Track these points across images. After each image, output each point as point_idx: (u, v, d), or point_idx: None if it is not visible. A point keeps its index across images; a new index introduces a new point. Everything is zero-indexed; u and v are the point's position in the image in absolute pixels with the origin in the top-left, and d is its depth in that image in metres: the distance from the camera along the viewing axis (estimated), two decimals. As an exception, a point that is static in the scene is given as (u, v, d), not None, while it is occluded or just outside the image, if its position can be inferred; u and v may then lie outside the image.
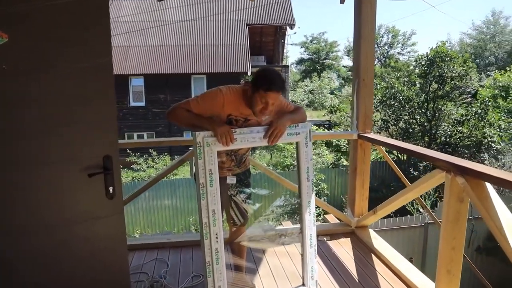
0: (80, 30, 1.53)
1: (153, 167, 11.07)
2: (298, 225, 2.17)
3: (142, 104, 16.52)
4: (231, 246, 2.35)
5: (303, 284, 2.22)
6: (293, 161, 11.24)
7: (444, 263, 2.03)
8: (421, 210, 6.55)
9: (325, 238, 3.08)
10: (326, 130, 13.71)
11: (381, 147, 3.07)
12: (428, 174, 2.17)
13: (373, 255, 2.80)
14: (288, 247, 2.92)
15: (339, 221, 3.41)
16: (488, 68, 24.48)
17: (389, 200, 2.71)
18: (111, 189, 1.67)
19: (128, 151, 11.19)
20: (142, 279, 2.54)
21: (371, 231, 3.11)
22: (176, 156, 13.07)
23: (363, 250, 2.88)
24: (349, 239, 3.10)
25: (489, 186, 1.83)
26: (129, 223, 8.55)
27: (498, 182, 1.72)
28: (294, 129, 2.06)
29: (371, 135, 3.01)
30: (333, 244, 3.01)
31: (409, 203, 7.44)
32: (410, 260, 3.01)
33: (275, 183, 4.38)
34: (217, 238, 1.86)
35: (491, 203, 1.79)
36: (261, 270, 2.62)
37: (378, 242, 2.91)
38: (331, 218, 3.61)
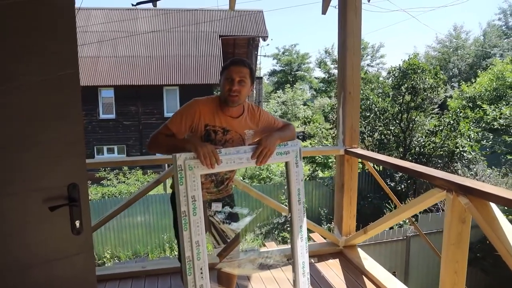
0: (42, 38, 1.30)
1: (124, 182, 10.59)
2: (283, 247, 1.99)
3: (113, 116, 15.99)
4: (219, 275, 2.12)
5: (296, 316, 2.02)
6: (269, 173, 11.09)
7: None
8: (401, 222, 6.51)
9: (312, 260, 2.90)
10: (301, 143, 13.67)
11: (368, 162, 2.95)
12: (426, 194, 2.05)
13: (364, 277, 2.65)
14: (275, 272, 2.72)
15: (325, 240, 3.25)
16: (452, 79, 25.44)
17: (381, 220, 2.57)
18: (77, 224, 1.42)
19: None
20: (115, 316, 2.26)
21: (360, 251, 2.96)
22: (149, 171, 12.62)
23: (354, 272, 2.73)
24: (337, 260, 2.93)
25: (493, 206, 1.72)
26: (99, 242, 8.08)
27: (505, 203, 1.61)
28: (284, 148, 1.88)
29: (359, 150, 2.89)
30: (322, 267, 2.84)
31: (387, 211, 7.43)
32: (394, 274, 2.88)
33: (253, 200, 4.18)
34: (201, 273, 1.64)
35: (498, 224, 1.68)
36: (247, 300, 2.40)
37: (369, 263, 2.76)
38: (316, 237, 3.44)
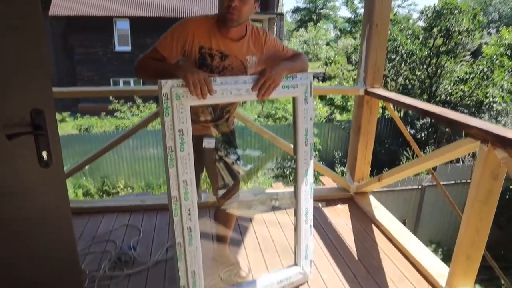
0: None
1: (138, 115, 10.51)
2: (291, 189, 1.81)
3: (128, 49, 15.57)
4: (217, 214, 1.98)
5: (296, 264, 1.89)
6: (285, 113, 10.80)
7: (465, 248, 1.70)
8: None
9: (320, 204, 2.74)
10: (320, 83, 13.15)
11: (389, 104, 2.65)
12: (455, 143, 1.78)
13: (374, 226, 2.48)
14: (279, 215, 2.59)
15: (335, 185, 3.06)
16: (490, 25, 23.56)
17: (398, 168, 2.34)
18: (44, 155, 1.23)
19: (110, 98, 10.57)
20: (109, 249, 2.18)
21: (372, 199, 2.77)
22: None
23: (363, 221, 2.55)
24: (347, 206, 2.76)
25: (536, 163, 1.45)
26: (113, 172, 8.22)
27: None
28: (291, 81, 1.60)
29: (381, 91, 2.56)
30: (329, 212, 2.68)
31: (404, 160, 7.20)
32: (404, 223, 2.74)
33: (266, 141, 3.97)
34: (189, 214, 1.47)
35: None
36: (247, 243, 2.28)
37: (380, 213, 2.58)
38: (327, 181, 3.26)
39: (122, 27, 15.41)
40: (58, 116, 12.78)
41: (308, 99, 1.69)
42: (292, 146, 2.77)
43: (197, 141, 1.63)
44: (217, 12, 1.56)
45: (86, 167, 3.85)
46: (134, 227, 2.43)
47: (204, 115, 1.68)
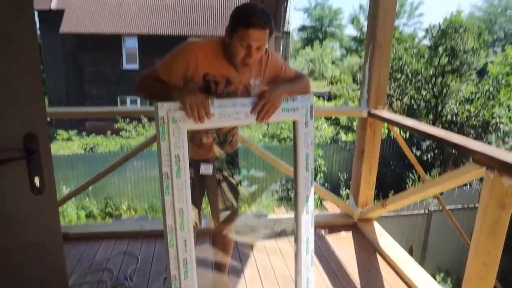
0: None
1: (143, 134, 10.55)
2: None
3: (136, 67, 15.75)
4: (215, 239, 1.92)
5: (296, 295, 1.81)
6: (290, 133, 10.78)
7: (473, 281, 1.62)
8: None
9: (322, 231, 2.67)
10: (325, 103, 13.15)
11: (394, 127, 2.60)
12: (461, 169, 1.73)
13: (378, 255, 2.40)
14: (281, 243, 2.52)
15: (339, 210, 2.99)
16: (496, 43, 23.62)
17: (403, 194, 2.27)
18: (37, 181, 1.20)
19: (116, 116, 10.64)
20: (105, 278, 2.12)
21: (377, 225, 2.69)
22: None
23: (367, 249, 2.48)
24: (350, 233, 2.68)
25: (546, 191, 1.39)
26: (116, 193, 8.18)
27: None
28: (292, 104, 1.55)
29: (384, 113, 2.52)
30: (332, 239, 2.60)
31: (410, 184, 7.09)
32: (410, 249, 2.65)
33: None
34: (185, 245, 1.42)
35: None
36: (247, 271, 2.21)
37: (385, 241, 2.50)
38: (330, 206, 3.20)
39: (130, 45, 15.64)
40: (65, 135, 12.87)
41: (309, 122, 1.64)
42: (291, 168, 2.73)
43: (198, 165, 1.61)
44: (222, 38, 1.49)
45: (90, 187, 3.84)
46: (132, 254, 2.37)
47: (207, 138, 1.65)
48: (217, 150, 1.70)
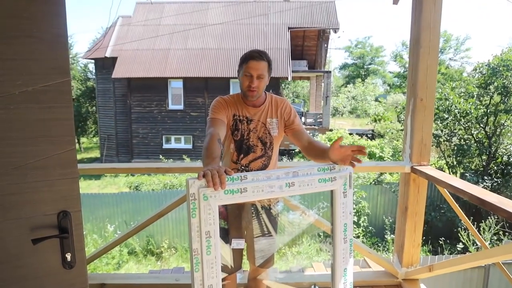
0: (24, 40, 1.09)
1: (185, 174, 10.78)
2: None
3: (181, 107, 16.46)
4: (251, 284, 1.99)
5: None
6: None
7: None
8: (478, 244, 5.67)
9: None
10: (369, 141, 12.84)
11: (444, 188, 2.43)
12: (518, 244, 1.55)
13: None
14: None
15: (382, 268, 2.79)
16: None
17: (455, 260, 2.08)
18: (68, 256, 1.22)
19: (160, 156, 11.01)
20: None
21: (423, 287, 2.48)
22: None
23: (414, 316, 2.27)
24: (395, 295, 2.49)
25: None
26: (157, 232, 8.31)
27: None
28: (329, 173, 1.51)
29: (429, 170, 2.38)
30: (375, 302, 2.42)
31: (463, 233, 6.57)
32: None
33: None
34: (214, 322, 1.36)
35: None
36: None
37: (434, 308, 2.28)
38: (372, 263, 3.00)
39: (175, 85, 16.43)
40: (113, 172, 13.46)
41: (348, 191, 1.58)
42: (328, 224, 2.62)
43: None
44: (239, 91, 1.89)
45: (132, 224, 3.88)
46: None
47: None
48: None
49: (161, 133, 16.29)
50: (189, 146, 16.38)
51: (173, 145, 16.67)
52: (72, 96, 1.17)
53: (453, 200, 2.32)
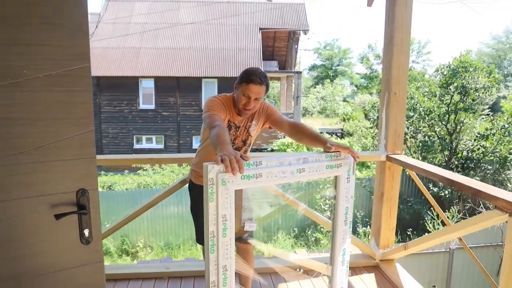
0: (48, 27, 1.17)
1: (160, 173, 10.73)
2: (315, 255, 1.82)
3: (152, 107, 16.26)
4: (237, 244, 1.97)
5: None
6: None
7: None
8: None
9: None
10: (339, 139, 13.26)
11: (412, 171, 2.67)
12: (482, 215, 1.77)
13: (402, 298, 2.40)
14: (304, 284, 2.54)
15: (360, 251, 3.00)
16: (507, 78, 23.73)
17: (425, 237, 2.31)
18: (86, 232, 1.30)
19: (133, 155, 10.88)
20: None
21: (399, 267, 2.70)
22: (184, 163, 12.72)
23: (391, 292, 2.48)
24: (373, 274, 2.69)
25: None
26: (132, 231, 8.23)
27: None
28: (335, 160, 1.62)
29: (402, 157, 2.61)
30: (355, 281, 2.61)
31: (429, 220, 6.99)
32: (433, 288, 2.63)
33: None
34: (225, 300, 1.46)
35: None
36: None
37: (408, 281, 2.50)
38: (351, 246, 3.20)
39: (147, 85, 16.21)
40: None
41: (351, 177, 1.69)
42: (325, 219, 2.79)
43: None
44: (232, 95, 1.95)
45: (107, 224, 3.94)
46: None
47: None
48: None
49: (132, 133, 16.03)
50: (161, 146, 16.22)
51: (144, 145, 16.45)
52: (90, 81, 1.26)
53: (422, 184, 2.56)
